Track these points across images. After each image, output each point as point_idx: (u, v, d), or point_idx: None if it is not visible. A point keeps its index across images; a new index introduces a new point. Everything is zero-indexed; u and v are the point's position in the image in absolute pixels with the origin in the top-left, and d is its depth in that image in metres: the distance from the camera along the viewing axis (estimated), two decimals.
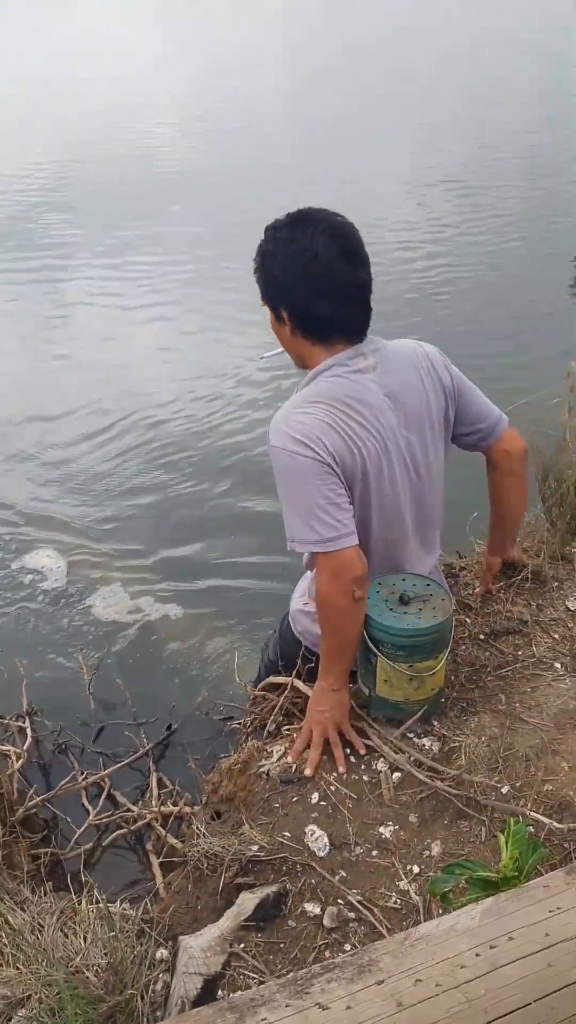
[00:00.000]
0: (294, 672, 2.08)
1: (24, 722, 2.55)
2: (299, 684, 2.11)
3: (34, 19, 16.38)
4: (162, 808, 2.20)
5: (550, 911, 1.21)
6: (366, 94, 11.23)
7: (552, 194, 7.55)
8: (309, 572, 1.99)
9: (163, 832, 2.14)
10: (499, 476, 2.03)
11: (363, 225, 1.73)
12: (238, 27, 15.78)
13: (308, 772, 1.84)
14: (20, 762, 2.31)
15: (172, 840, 2.11)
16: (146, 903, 1.83)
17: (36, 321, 5.76)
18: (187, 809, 2.13)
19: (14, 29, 16.06)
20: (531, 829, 1.68)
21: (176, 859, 2.00)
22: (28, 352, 5.36)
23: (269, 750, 1.95)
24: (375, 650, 1.82)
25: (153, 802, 2.26)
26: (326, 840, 1.73)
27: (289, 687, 2.11)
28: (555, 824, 1.68)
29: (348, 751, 1.89)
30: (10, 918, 1.73)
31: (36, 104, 11.34)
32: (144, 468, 4.18)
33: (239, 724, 2.33)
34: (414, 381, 1.79)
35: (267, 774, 1.89)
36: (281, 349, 1.87)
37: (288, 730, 2.09)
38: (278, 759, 1.92)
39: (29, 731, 2.51)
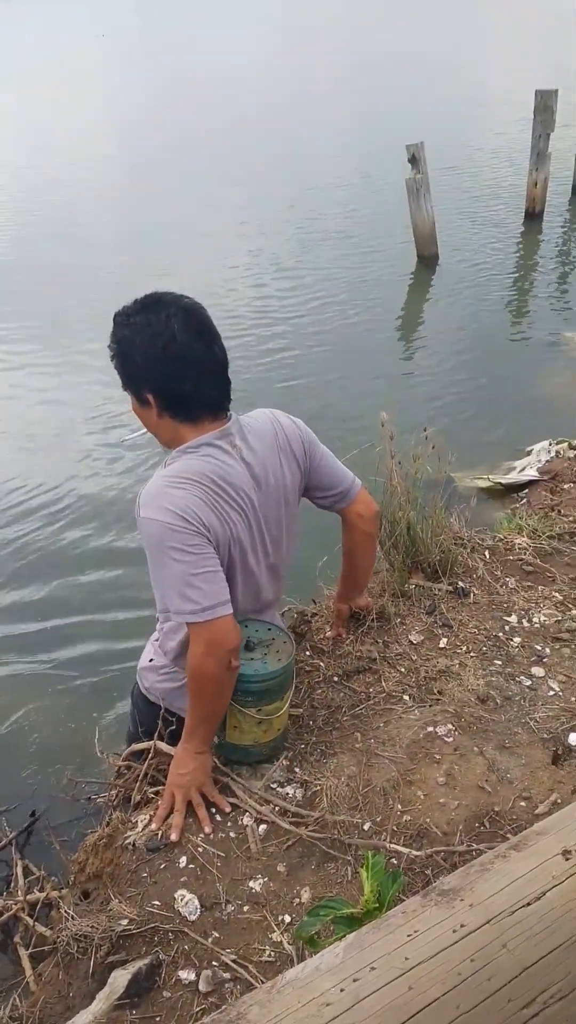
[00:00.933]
0: (155, 735, 2.07)
1: None
2: (162, 746, 2.10)
3: None
4: (28, 897, 2.11)
5: (408, 935, 1.26)
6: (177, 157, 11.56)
7: (365, 271, 8.01)
8: (157, 630, 2.02)
9: (31, 922, 2.05)
10: (353, 535, 2.12)
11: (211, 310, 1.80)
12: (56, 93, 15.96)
13: (174, 837, 1.84)
14: None
15: (41, 928, 2.02)
16: (14, 999, 1.75)
17: None
18: (54, 893, 2.05)
19: None
20: (393, 860, 1.75)
21: (46, 947, 1.92)
22: None
23: (134, 820, 1.93)
24: (239, 696, 1.84)
25: (19, 892, 2.16)
26: (196, 903, 1.73)
27: (152, 752, 2.10)
28: (414, 852, 1.76)
29: (213, 810, 1.90)
30: None
31: None
32: None
33: (104, 799, 2.28)
34: (273, 460, 1.85)
35: (133, 845, 1.87)
36: (143, 431, 1.89)
37: (155, 795, 2.07)
38: (143, 828, 1.90)
39: None
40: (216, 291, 6.93)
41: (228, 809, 1.91)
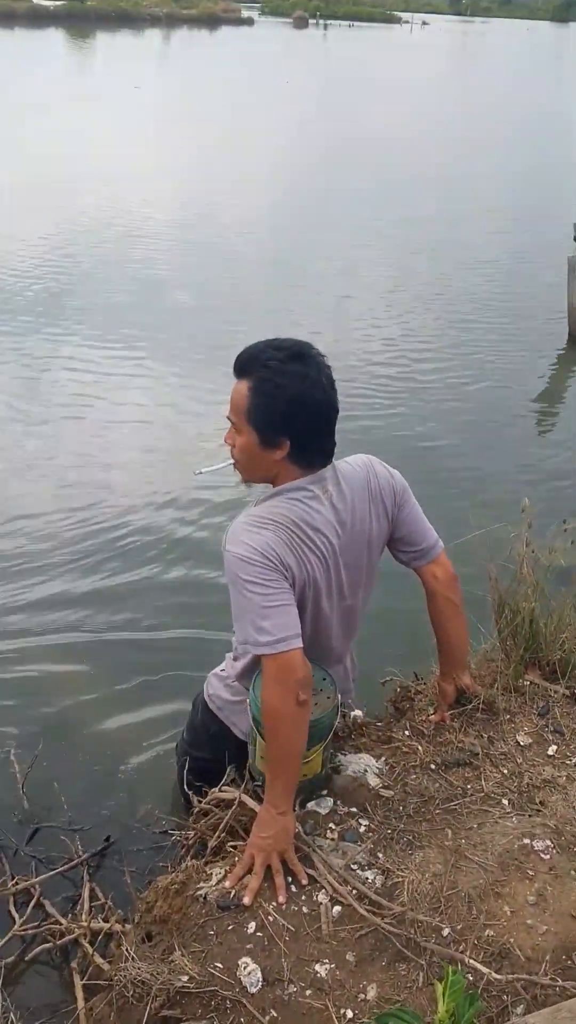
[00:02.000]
0: (242, 783, 2.05)
1: None
2: (247, 799, 2.07)
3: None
4: (92, 924, 2.11)
5: None
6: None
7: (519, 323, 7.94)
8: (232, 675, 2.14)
9: (90, 950, 2.04)
10: (435, 601, 2.15)
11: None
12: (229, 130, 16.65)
13: (247, 901, 1.80)
14: None
15: (99, 960, 2.01)
16: None
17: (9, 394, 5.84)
18: (118, 927, 2.04)
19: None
20: (469, 977, 1.65)
21: (102, 981, 1.91)
22: None
23: (208, 872, 1.91)
24: (256, 728, 1.91)
25: (83, 916, 2.16)
26: (259, 975, 1.68)
27: (236, 803, 2.08)
28: (494, 975, 1.65)
29: (289, 880, 1.85)
30: None
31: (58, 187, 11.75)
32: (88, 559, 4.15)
33: (180, 838, 2.26)
34: (362, 507, 1.94)
35: (204, 898, 1.84)
36: (222, 465, 2.02)
37: (233, 847, 2.05)
38: (217, 882, 1.87)
39: None
40: (351, 349, 6.95)
41: (305, 881, 1.86)
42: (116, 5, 41.16)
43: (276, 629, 1.75)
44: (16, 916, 2.20)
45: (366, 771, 2.13)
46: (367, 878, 1.88)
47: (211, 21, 45.04)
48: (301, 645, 1.78)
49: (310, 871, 1.87)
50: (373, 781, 2.11)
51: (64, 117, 16.99)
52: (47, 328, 6.99)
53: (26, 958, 2.12)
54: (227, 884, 1.84)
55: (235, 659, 2.12)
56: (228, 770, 2.24)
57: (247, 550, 1.77)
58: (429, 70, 31.23)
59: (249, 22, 46.76)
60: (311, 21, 50.66)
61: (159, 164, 13.85)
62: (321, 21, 50.34)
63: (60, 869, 2.38)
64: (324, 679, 1.99)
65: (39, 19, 38.59)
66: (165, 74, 24.67)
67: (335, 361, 1.91)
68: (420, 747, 2.25)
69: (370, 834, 1.99)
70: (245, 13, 48.37)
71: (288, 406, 1.81)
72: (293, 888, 1.84)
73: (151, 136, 16.08)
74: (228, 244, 9.83)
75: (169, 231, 10.11)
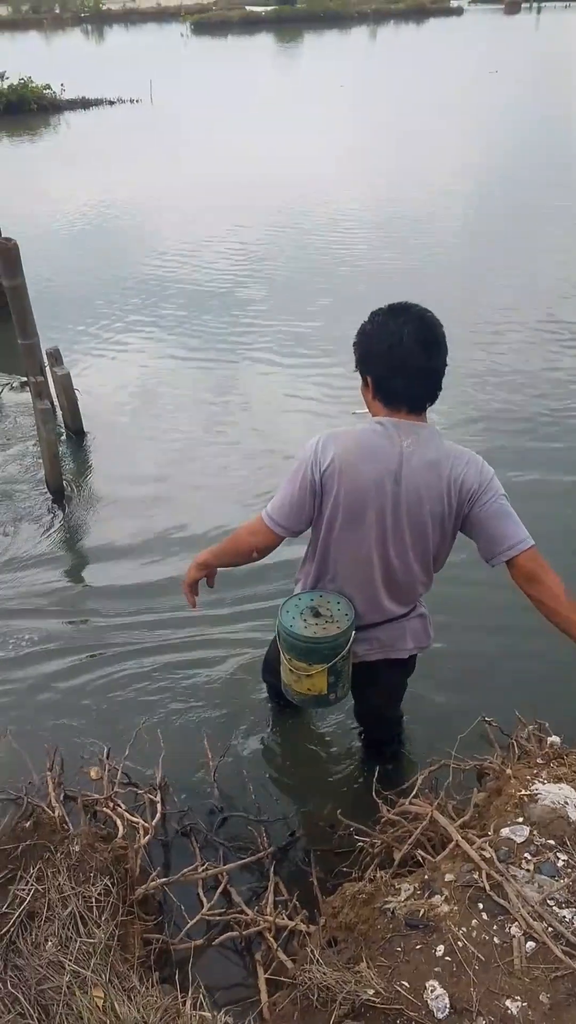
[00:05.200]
0: (435, 799, 2.00)
1: (156, 796, 2.57)
2: (438, 816, 2.03)
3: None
4: (277, 919, 2.14)
5: None
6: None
7: None
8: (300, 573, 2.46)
9: (274, 945, 2.08)
10: (525, 590, 2.20)
11: None
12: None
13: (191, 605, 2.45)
14: (147, 837, 2.33)
15: (282, 956, 2.04)
16: (250, 1021, 1.78)
17: (213, 388, 6.07)
18: (302, 926, 2.06)
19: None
20: None
21: (284, 979, 1.93)
22: (199, 419, 5.65)
23: (397, 887, 1.88)
24: (280, 645, 2.31)
25: (268, 910, 2.20)
26: (447, 1001, 1.63)
27: (428, 818, 2.03)
28: None
29: (480, 905, 1.78)
30: (117, 1006, 1.73)
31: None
32: None
33: (366, 845, 2.25)
34: (429, 476, 2.11)
35: (392, 912, 1.81)
36: (364, 409, 2.28)
37: (423, 857, 2.01)
38: (406, 898, 1.83)
39: (159, 807, 2.53)
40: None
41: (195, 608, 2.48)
42: (325, 6, 41.74)
43: (276, 511, 2.23)
44: (204, 900, 2.28)
45: (566, 803, 2.01)
46: (564, 916, 1.77)
47: (419, 14, 44.55)
48: (281, 537, 2.26)
49: (502, 902, 1.79)
50: (574, 815, 1.99)
51: (271, 119, 17.48)
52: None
53: (213, 943, 2.18)
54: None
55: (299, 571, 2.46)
56: (416, 780, 2.21)
57: (311, 453, 2.16)
58: None
59: (458, 12, 45.72)
60: (523, 5, 48.77)
61: (367, 166, 13.85)
62: (535, 4, 48.29)
63: (247, 859, 2.44)
64: (346, 615, 2.26)
65: (251, 25, 39.96)
66: (370, 71, 24.67)
67: None
68: None
69: (569, 870, 1.87)
70: (454, 3, 47.40)
71: (369, 350, 2.13)
72: (485, 915, 1.77)
73: (354, 135, 16.15)
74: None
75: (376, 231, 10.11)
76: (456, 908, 1.78)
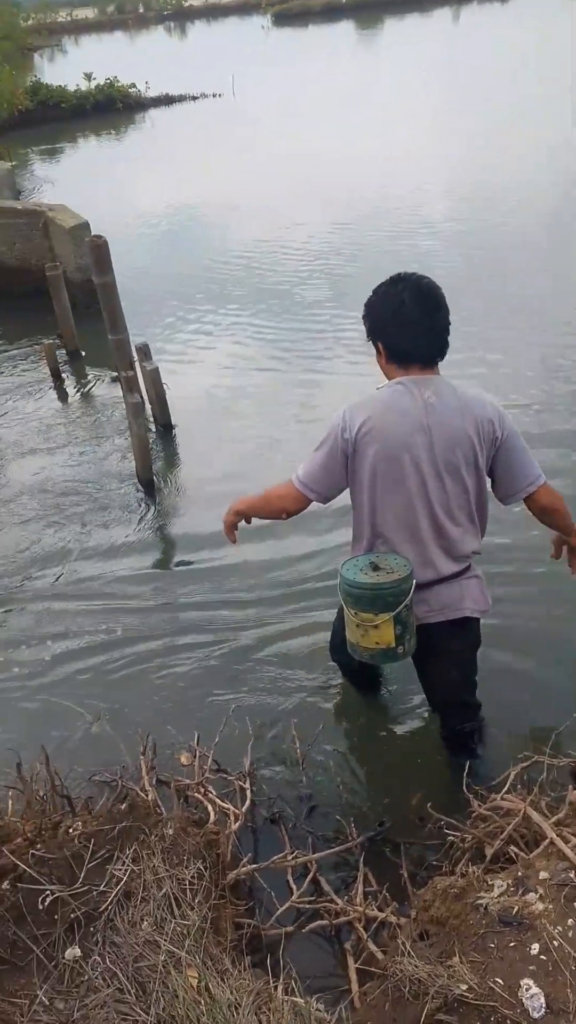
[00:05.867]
0: (527, 795, 1.97)
1: (245, 783, 2.61)
2: (532, 812, 1.99)
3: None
4: (367, 910, 2.14)
5: None
6: None
7: None
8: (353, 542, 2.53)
9: (364, 936, 2.08)
10: (541, 519, 2.51)
11: None
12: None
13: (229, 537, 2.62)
14: (237, 824, 2.37)
15: (372, 947, 2.05)
16: (341, 1010, 1.79)
17: (292, 388, 6.06)
18: (393, 918, 2.06)
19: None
20: None
21: (375, 969, 1.94)
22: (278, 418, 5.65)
23: (490, 883, 1.85)
24: (344, 602, 2.36)
25: (358, 899, 2.21)
26: (543, 1000, 1.60)
27: (522, 814, 2.00)
28: None
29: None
30: (212, 987, 1.76)
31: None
32: None
33: (457, 839, 2.23)
34: (458, 420, 2.26)
35: (485, 908, 1.79)
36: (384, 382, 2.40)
37: (516, 853, 1.98)
38: (499, 895, 1.81)
39: (249, 793, 2.56)
40: None
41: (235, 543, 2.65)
42: None
43: (307, 477, 2.38)
44: (294, 887, 2.30)
45: None
46: None
47: None
48: (310, 495, 2.39)
49: None
50: None
51: (351, 107, 17.35)
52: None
53: (303, 930, 2.20)
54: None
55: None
56: (508, 776, 2.17)
57: (340, 419, 2.31)
58: None
59: None
60: None
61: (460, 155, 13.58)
62: None
63: (336, 849, 2.45)
64: (404, 566, 2.32)
65: (332, 13, 39.68)
66: (452, 55, 24.17)
67: None
68: None
69: None
70: None
71: (378, 320, 2.33)
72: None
73: (437, 121, 15.85)
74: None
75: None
76: (551, 907, 1.75)
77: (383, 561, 2.33)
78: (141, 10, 46.85)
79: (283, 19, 40.33)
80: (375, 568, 2.30)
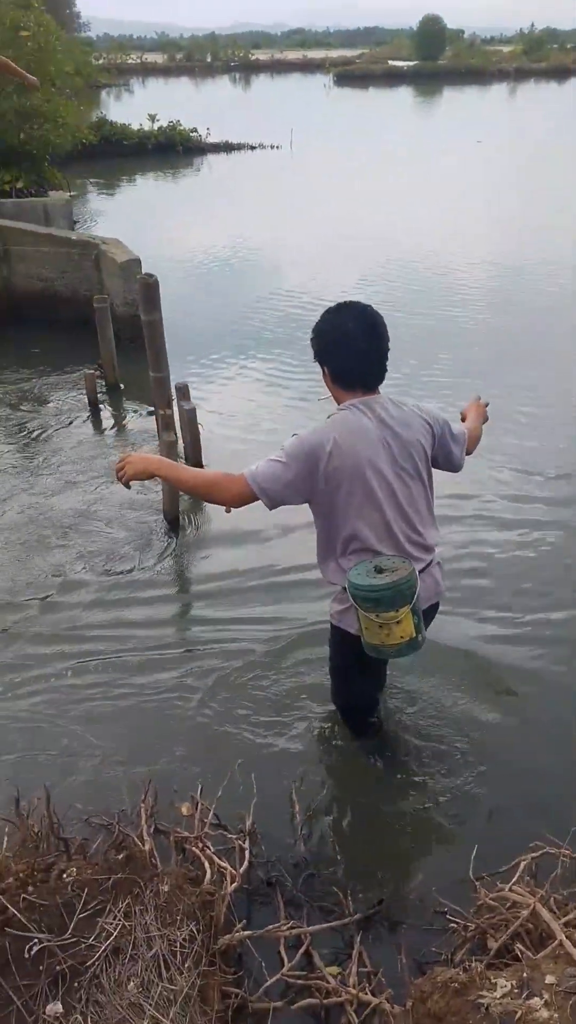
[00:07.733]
0: (539, 891, 1.89)
1: (245, 843, 2.54)
2: (542, 910, 1.92)
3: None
4: (360, 994, 2.06)
5: None
6: None
7: None
8: (336, 590, 2.67)
9: (356, 1021, 2.00)
10: None
11: None
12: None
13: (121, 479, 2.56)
14: (234, 885, 2.30)
15: None
16: None
17: None
18: (387, 1006, 1.98)
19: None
20: None
21: None
22: None
23: (494, 981, 1.78)
24: (355, 604, 2.41)
25: (352, 981, 2.13)
26: None
27: (530, 910, 1.93)
28: None
29: None
30: None
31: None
32: None
33: (459, 927, 2.15)
34: (414, 421, 2.53)
35: (486, 1008, 1.71)
36: (328, 394, 2.64)
37: (521, 951, 1.90)
38: (502, 996, 1.73)
39: (248, 855, 2.49)
40: None
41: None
42: (466, 62, 42.24)
43: (264, 480, 2.43)
44: (285, 959, 2.22)
45: None
46: None
47: (560, 72, 44.49)
48: (262, 497, 2.44)
49: None
50: None
51: (407, 172, 17.71)
52: None
53: (292, 1006, 2.12)
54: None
55: (330, 576, 2.63)
56: (518, 865, 2.09)
57: (296, 442, 2.45)
58: None
59: None
60: None
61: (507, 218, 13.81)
62: None
63: (331, 923, 2.37)
64: (404, 561, 2.43)
65: (392, 78, 40.79)
66: (508, 127, 24.70)
67: None
68: None
69: None
70: None
71: (321, 342, 2.52)
72: None
73: (490, 190, 16.14)
74: None
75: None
76: (557, 1016, 1.67)
77: (383, 562, 2.45)
78: (209, 59, 48.36)
79: (344, 80, 41.49)
80: (379, 571, 2.41)
